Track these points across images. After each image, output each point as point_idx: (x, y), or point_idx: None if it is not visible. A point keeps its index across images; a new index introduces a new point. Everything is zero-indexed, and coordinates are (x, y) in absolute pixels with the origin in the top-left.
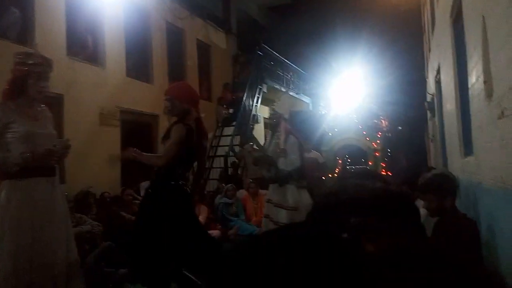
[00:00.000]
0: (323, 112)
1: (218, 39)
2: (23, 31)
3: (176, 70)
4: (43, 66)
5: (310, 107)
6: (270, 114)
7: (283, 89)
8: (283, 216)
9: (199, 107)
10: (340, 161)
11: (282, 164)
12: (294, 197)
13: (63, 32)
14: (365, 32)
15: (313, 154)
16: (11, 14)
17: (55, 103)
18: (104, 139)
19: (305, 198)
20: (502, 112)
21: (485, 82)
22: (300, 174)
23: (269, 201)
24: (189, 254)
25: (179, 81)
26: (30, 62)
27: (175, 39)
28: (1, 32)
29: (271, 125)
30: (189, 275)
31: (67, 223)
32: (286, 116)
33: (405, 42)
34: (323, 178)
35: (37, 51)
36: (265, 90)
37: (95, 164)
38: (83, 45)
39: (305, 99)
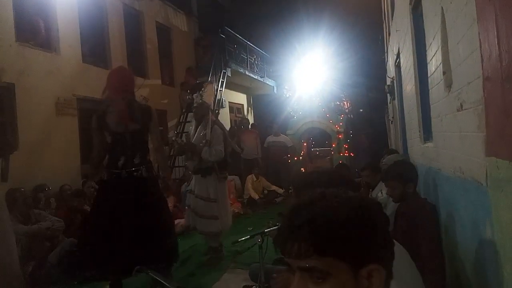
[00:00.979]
0: (287, 95)
1: (179, 21)
2: None
3: (135, 54)
4: None
5: (275, 90)
6: (196, 103)
7: (247, 72)
8: (203, 208)
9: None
10: (305, 144)
11: (206, 154)
12: (214, 189)
13: (10, 17)
14: (327, 13)
15: (282, 138)
16: None
17: (6, 93)
18: (61, 129)
19: (225, 190)
20: (461, 105)
21: (444, 73)
22: (224, 165)
23: (191, 191)
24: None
25: (139, 66)
26: None
27: (133, 22)
28: None
29: (197, 114)
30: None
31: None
32: (211, 105)
33: (366, 24)
34: (290, 161)
35: None
36: (229, 74)
37: (53, 156)
38: (34, 30)
39: (269, 82)
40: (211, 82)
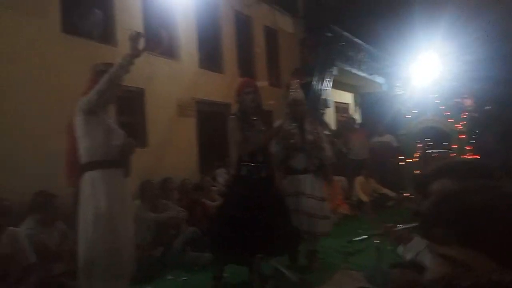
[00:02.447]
0: (398, 93)
1: (285, 23)
2: (106, 31)
3: (245, 58)
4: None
5: (384, 88)
6: (292, 99)
7: (354, 70)
8: (315, 208)
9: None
10: (420, 145)
11: (327, 152)
12: (322, 189)
13: (140, 29)
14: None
15: (387, 137)
16: (94, 15)
17: (137, 97)
18: (181, 129)
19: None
20: None
21: None
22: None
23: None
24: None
25: (248, 69)
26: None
27: (243, 27)
28: (86, 33)
29: (293, 111)
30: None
31: (132, 210)
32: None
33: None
34: (399, 163)
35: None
36: (335, 73)
37: (175, 153)
38: (159, 40)
39: (378, 79)
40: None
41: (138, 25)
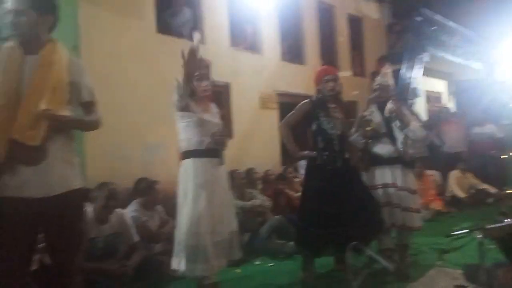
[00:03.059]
0: (500, 80)
1: (370, 9)
2: (194, 29)
3: (327, 48)
4: (201, 69)
5: (482, 75)
6: (378, 85)
7: (447, 56)
8: (408, 201)
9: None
10: None
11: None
12: (414, 181)
13: (226, 26)
14: None
15: (488, 128)
16: (184, 14)
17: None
18: (264, 121)
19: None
20: None
21: None
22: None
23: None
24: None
25: (331, 59)
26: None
27: (325, 16)
28: (176, 31)
29: (379, 97)
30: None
31: (230, 197)
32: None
33: None
34: (500, 156)
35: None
36: (427, 60)
37: (258, 144)
38: (243, 35)
39: (475, 65)
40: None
41: (223, 22)
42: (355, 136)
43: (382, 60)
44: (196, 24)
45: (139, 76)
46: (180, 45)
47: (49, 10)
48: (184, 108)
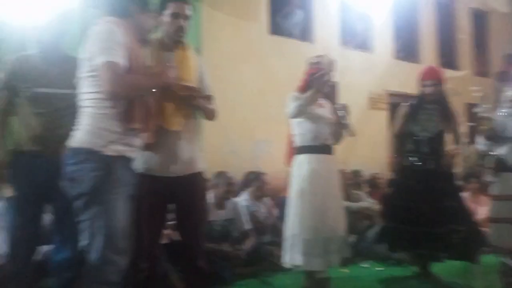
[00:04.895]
0: None
1: (497, 2)
2: (305, 29)
3: (445, 46)
4: (328, 67)
5: None
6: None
7: None
8: None
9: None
10: None
11: None
12: None
13: (337, 24)
14: None
15: None
16: (296, 15)
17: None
18: (372, 122)
19: None
20: None
21: None
22: None
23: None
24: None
25: (449, 57)
26: (323, 62)
27: (444, 12)
28: (288, 32)
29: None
30: None
31: (341, 194)
32: None
33: None
34: None
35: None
36: None
37: (365, 146)
38: (353, 33)
39: None
40: None
41: (334, 20)
42: (480, 140)
43: (508, 59)
44: (307, 24)
45: (251, 76)
46: (291, 46)
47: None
48: (300, 115)
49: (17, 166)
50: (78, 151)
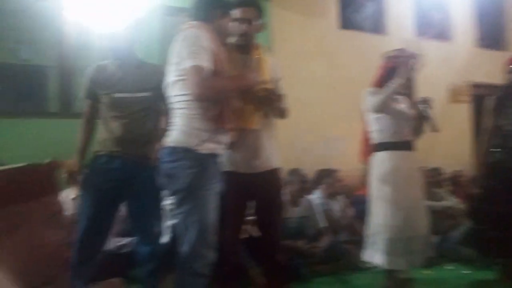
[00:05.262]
0: None
1: None
2: (376, 21)
3: None
4: (411, 59)
5: None
6: None
7: None
8: None
9: None
10: None
11: None
12: None
13: (411, 15)
14: None
15: None
16: (366, 8)
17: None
18: (452, 116)
19: None
20: None
21: None
22: None
23: None
24: None
25: None
26: (401, 55)
27: None
28: (358, 25)
29: None
30: None
31: (422, 193)
32: None
33: None
34: None
35: (407, 47)
36: None
37: (445, 142)
38: (430, 23)
39: None
40: None
41: (408, 11)
42: None
43: None
44: (379, 16)
45: (323, 72)
46: (363, 40)
47: (260, 17)
48: (383, 110)
49: (96, 165)
50: (174, 149)
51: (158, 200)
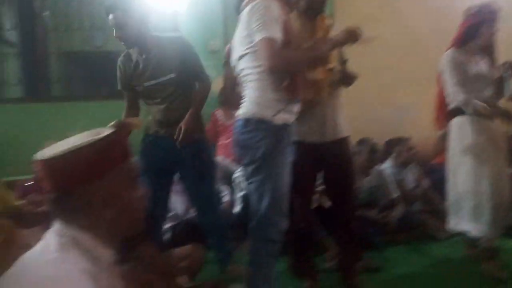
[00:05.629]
0: None
1: None
2: None
3: None
4: (495, 15)
5: None
6: None
7: None
8: None
9: None
10: None
11: None
12: None
13: None
14: None
15: None
16: None
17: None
18: None
19: None
20: None
21: None
22: None
23: None
24: None
25: None
26: (485, 11)
27: None
28: None
29: None
30: None
31: (505, 159)
32: None
33: None
34: None
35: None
36: None
37: None
38: None
39: None
40: None
41: None
42: None
43: None
44: None
45: (391, 36)
46: None
47: None
48: (461, 73)
49: (145, 145)
50: (248, 121)
51: (208, 173)
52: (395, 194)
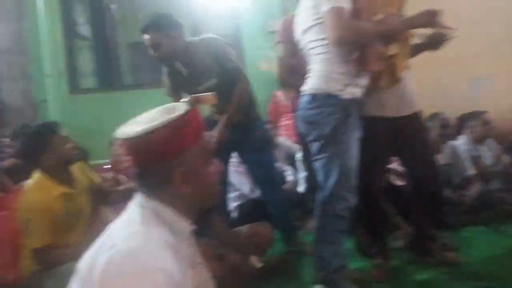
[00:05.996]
0: None
1: None
2: None
3: None
4: None
5: None
6: None
7: None
8: None
9: None
10: None
11: None
12: None
13: None
14: None
15: None
16: None
17: None
18: None
19: None
20: None
21: None
22: None
23: None
24: None
25: None
26: None
27: None
28: None
29: None
30: None
31: None
32: None
33: None
34: None
35: None
36: None
37: None
38: None
39: None
40: None
41: None
42: None
43: None
44: None
45: (465, 4)
46: None
47: None
48: None
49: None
50: (315, 96)
51: (267, 154)
52: (471, 171)
